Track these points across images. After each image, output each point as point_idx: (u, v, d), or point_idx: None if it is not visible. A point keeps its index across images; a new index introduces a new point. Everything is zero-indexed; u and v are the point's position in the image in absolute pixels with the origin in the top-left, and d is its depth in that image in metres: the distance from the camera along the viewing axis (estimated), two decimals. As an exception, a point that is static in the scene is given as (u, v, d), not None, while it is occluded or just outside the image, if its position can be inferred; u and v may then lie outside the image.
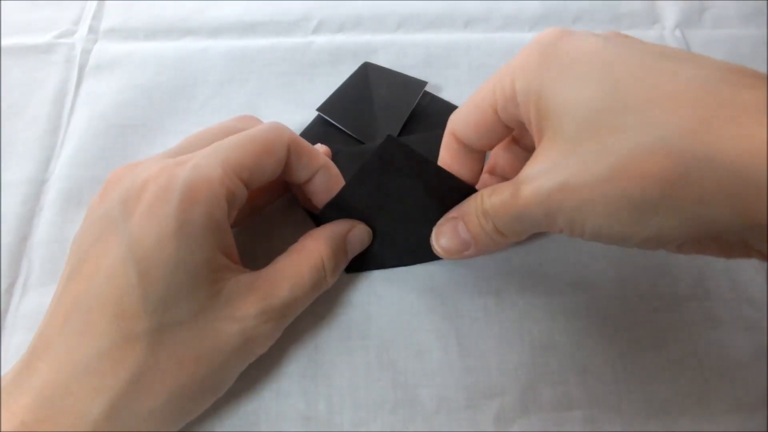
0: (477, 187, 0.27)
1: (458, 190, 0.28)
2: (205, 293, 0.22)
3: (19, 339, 0.27)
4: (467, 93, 0.34)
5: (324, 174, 0.26)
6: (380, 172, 0.30)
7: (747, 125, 0.16)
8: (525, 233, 0.23)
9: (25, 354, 0.22)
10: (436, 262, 0.29)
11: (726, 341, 0.27)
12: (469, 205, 0.25)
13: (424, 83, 0.34)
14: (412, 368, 0.26)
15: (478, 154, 0.26)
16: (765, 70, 0.38)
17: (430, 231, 0.28)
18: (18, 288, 0.29)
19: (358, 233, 0.27)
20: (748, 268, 0.29)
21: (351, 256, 0.27)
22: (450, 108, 0.34)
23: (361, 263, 0.29)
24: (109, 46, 0.37)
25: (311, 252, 0.25)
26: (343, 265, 0.27)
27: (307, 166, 0.26)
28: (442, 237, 0.26)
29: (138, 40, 0.37)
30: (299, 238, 0.26)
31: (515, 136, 0.28)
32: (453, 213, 0.26)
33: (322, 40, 0.37)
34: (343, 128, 0.33)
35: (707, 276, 0.29)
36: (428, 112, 0.34)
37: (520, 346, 0.27)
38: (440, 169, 0.27)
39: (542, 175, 0.20)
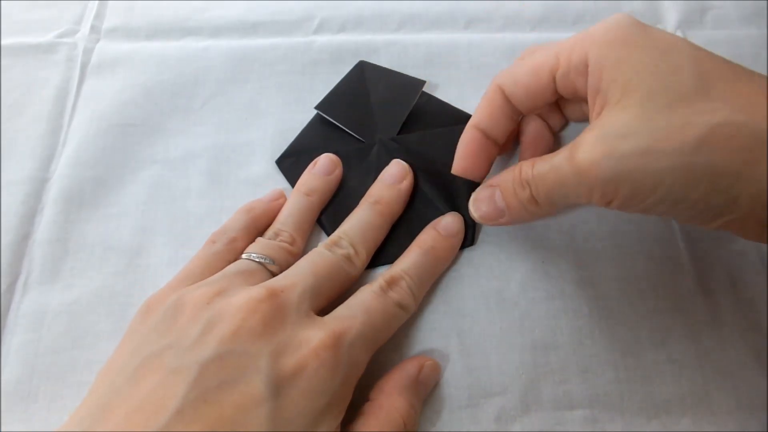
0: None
1: (451, 184, 0.28)
2: None
3: (19, 339, 0.27)
4: (468, 93, 0.35)
5: None
6: (378, 170, 0.30)
7: None
8: (560, 203, 0.25)
9: None
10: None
11: (726, 341, 0.27)
12: (507, 175, 0.26)
13: (423, 82, 0.34)
14: (414, 367, 0.26)
15: (516, 114, 0.27)
16: (765, 71, 0.38)
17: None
18: (19, 287, 0.29)
19: (429, 369, 0.26)
20: (748, 268, 0.29)
21: (426, 395, 0.26)
22: (447, 108, 0.34)
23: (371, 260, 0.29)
24: (111, 46, 0.37)
25: (389, 413, 0.23)
26: (421, 408, 0.25)
27: None
28: (481, 203, 0.27)
29: (140, 40, 0.37)
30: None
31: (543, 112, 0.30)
32: (492, 181, 0.27)
33: (323, 39, 0.37)
34: (342, 126, 0.33)
35: (708, 276, 0.29)
36: (425, 112, 0.34)
37: (521, 345, 0.27)
38: (435, 164, 0.28)
39: (614, 140, 0.21)
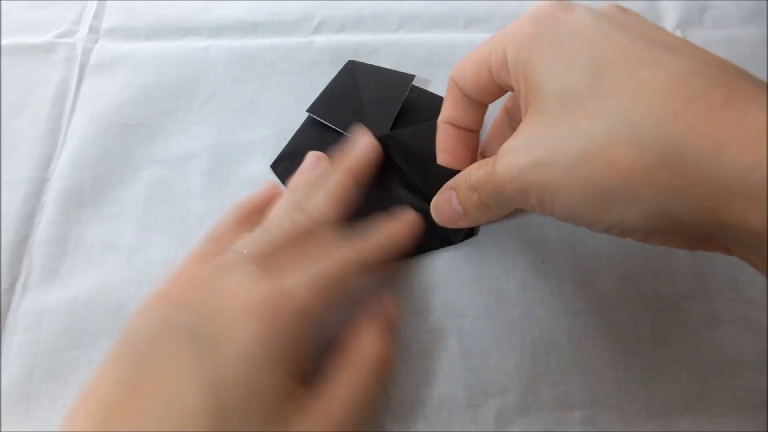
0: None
1: (447, 176, 0.28)
2: (274, 417, 0.20)
3: (19, 339, 0.27)
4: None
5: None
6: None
7: (714, 122, 0.16)
8: (507, 207, 0.25)
9: None
10: (437, 260, 0.29)
11: (726, 341, 0.27)
12: (460, 178, 0.25)
13: (412, 77, 0.34)
14: (414, 367, 0.26)
15: (479, 103, 0.27)
16: (765, 70, 0.38)
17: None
18: (18, 287, 0.29)
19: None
20: (748, 268, 0.29)
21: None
22: (438, 100, 0.34)
23: None
24: (110, 46, 0.37)
25: (362, 358, 0.24)
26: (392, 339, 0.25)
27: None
28: (439, 208, 0.27)
29: (139, 40, 0.37)
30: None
31: (510, 107, 0.29)
32: (450, 183, 0.26)
33: (322, 39, 0.37)
34: (334, 127, 0.33)
35: (708, 276, 0.29)
36: (417, 106, 0.34)
37: (520, 346, 0.27)
38: (429, 158, 0.28)
39: (518, 151, 0.21)
